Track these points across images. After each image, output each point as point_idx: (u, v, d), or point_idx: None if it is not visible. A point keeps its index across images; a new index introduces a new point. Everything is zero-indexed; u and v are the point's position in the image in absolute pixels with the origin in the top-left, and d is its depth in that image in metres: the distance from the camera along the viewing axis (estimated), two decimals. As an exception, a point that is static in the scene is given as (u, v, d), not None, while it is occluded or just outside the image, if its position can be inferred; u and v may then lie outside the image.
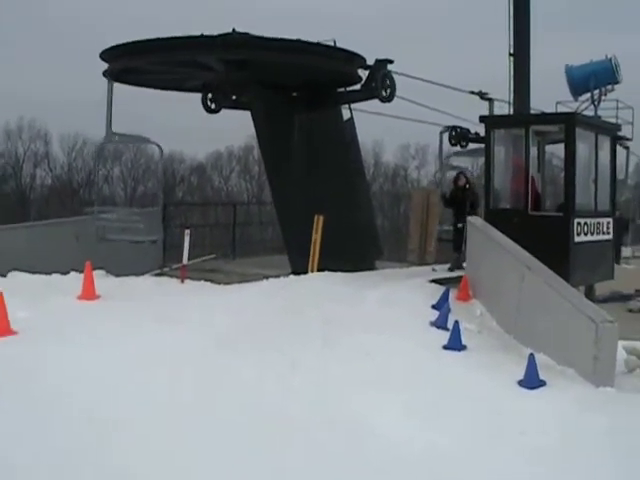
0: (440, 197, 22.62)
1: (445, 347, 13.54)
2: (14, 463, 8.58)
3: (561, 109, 22.62)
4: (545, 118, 21.08)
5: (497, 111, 23.49)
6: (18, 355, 11.79)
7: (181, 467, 8.89)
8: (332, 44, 20.04)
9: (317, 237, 18.89)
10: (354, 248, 20.58)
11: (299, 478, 8.86)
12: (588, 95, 22.73)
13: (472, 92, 22.53)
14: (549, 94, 23.90)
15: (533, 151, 20.34)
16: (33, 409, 9.93)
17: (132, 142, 20.86)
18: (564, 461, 9.45)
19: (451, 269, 20.57)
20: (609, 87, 22.62)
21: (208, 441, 9.49)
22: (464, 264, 19.37)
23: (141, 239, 20.30)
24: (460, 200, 20.83)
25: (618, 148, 22.40)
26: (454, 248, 21.07)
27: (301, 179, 20.63)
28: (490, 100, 22.25)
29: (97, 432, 9.41)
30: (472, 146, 24.05)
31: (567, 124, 19.38)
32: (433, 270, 20.85)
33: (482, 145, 21.65)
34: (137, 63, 19.31)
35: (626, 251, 32.59)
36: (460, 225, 20.39)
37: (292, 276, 18.27)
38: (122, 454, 9.02)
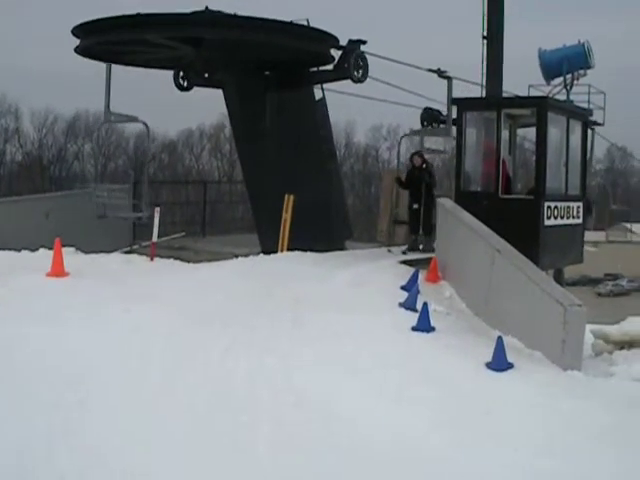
0: (395, 180, 22.20)
1: (414, 328, 13.54)
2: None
3: (533, 93, 22.69)
4: (517, 102, 21.14)
5: (461, 91, 23.40)
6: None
7: (145, 446, 8.89)
8: (305, 23, 20.00)
9: (287, 217, 18.88)
10: (324, 228, 20.59)
11: (264, 459, 8.88)
12: (561, 79, 22.79)
13: (430, 70, 22.26)
14: (522, 78, 23.99)
15: (505, 134, 20.33)
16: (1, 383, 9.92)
17: (125, 121, 20.99)
18: (527, 443, 9.50)
19: (405, 252, 20.48)
20: (581, 72, 22.69)
21: (174, 421, 9.50)
22: (420, 246, 20.41)
23: (133, 216, 20.97)
24: (416, 180, 20.84)
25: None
26: (410, 230, 21.19)
27: (272, 158, 20.61)
28: (448, 78, 22.01)
29: (65, 413, 9.39)
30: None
31: (539, 108, 19.39)
32: (388, 251, 20.70)
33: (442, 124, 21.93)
34: (108, 39, 19.16)
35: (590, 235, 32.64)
36: (416, 206, 20.71)
37: (262, 255, 18.26)
38: (90, 435, 9.01)
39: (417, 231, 20.74)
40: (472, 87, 23.99)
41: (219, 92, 21.87)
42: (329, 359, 11.62)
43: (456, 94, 21.74)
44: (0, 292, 13.69)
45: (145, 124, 22.24)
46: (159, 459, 8.78)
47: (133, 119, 21.63)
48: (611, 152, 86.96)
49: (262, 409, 9.98)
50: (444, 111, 23.37)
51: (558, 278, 21.62)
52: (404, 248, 20.88)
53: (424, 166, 20.98)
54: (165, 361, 11.13)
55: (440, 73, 21.86)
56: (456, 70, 23.71)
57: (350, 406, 10.22)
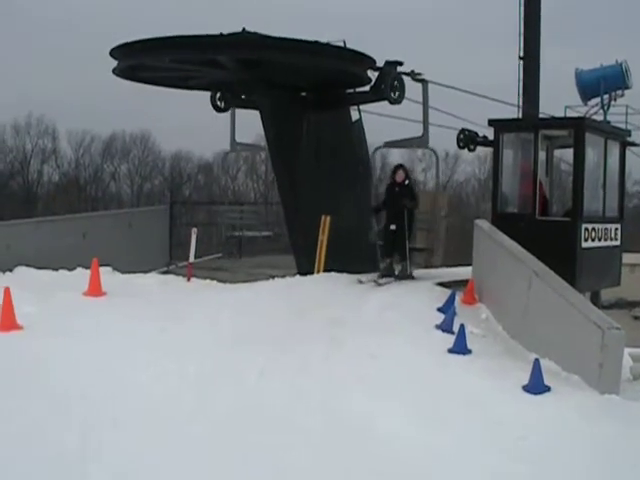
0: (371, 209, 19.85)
1: (450, 351, 13.48)
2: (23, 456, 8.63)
3: (570, 114, 22.57)
4: (554, 122, 21.02)
5: (496, 112, 23.23)
6: (24, 349, 11.84)
7: (178, 466, 8.90)
8: (342, 44, 20.01)
9: (323, 238, 18.88)
10: (360, 249, 20.54)
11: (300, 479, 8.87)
12: (598, 100, 22.68)
13: (404, 73, 21.58)
14: (558, 98, 23.90)
15: (541, 155, 20.22)
16: (37, 404, 9.96)
17: (250, 150, 21.14)
18: (563, 467, 9.43)
19: (378, 281, 17.96)
20: (619, 92, 22.56)
21: (208, 442, 9.50)
22: (396, 271, 18.69)
23: (262, 235, 22.62)
24: (396, 198, 18.47)
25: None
26: (384, 253, 18.97)
27: (308, 179, 20.60)
28: (423, 81, 21.30)
29: (98, 432, 9.43)
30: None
31: (577, 129, 19.28)
32: (359, 282, 17.85)
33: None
34: (147, 61, 19.27)
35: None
36: (393, 227, 18.46)
37: (298, 276, 18.26)
38: (123, 454, 9.03)
39: (392, 255, 18.76)
40: (507, 108, 23.94)
41: (255, 113, 21.93)
42: (365, 380, 11.59)
43: (492, 115, 21.58)
44: (38, 311, 13.78)
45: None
46: (190, 477, 8.79)
47: (259, 148, 21.59)
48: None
49: (298, 430, 9.97)
50: (481, 132, 23.30)
51: (595, 301, 21.44)
52: (376, 277, 18.32)
53: (406, 182, 18.82)
54: (200, 381, 11.16)
55: (414, 76, 21.11)
56: (492, 91, 23.70)
57: (386, 426, 10.20)
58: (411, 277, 18.28)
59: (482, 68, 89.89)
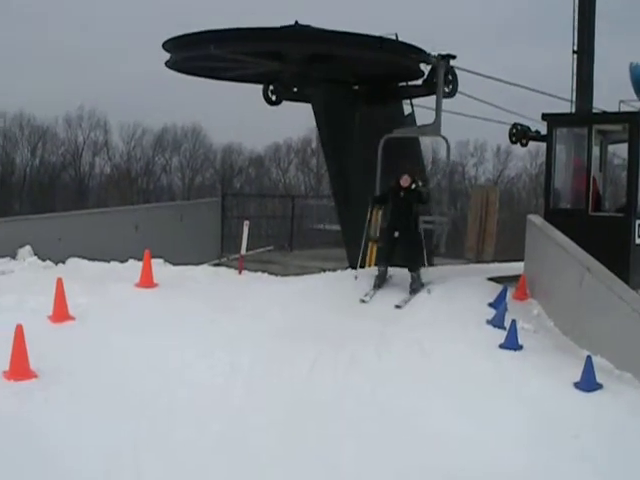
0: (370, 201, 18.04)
1: (501, 346, 13.41)
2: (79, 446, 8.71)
3: (624, 109, 22.33)
4: (609, 117, 20.77)
5: (549, 107, 23.01)
6: (76, 340, 11.93)
7: (230, 455, 8.94)
8: (394, 38, 19.96)
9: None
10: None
11: (349, 472, 8.88)
12: (653, 93, 22.40)
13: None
14: (612, 93, 23.66)
15: (595, 150, 20.04)
16: (90, 395, 10.05)
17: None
18: (615, 466, 9.36)
19: (368, 296, 16.04)
20: (675, 86, 22.26)
21: (260, 433, 9.54)
22: (427, 288, 16.53)
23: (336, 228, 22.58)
24: (401, 203, 16.95)
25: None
26: (381, 261, 17.30)
27: (360, 172, 20.58)
28: (443, 58, 20.27)
29: (151, 420, 9.50)
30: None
31: (631, 123, 19.09)
32: (355, 278, 16.87)
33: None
34: (197, 54, 19.34)
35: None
36: (396, 234, 16.89)
37: (349, 270, 18.25)
38: (175, 441, 9.09)
39: (387, 264, 17.02)
40: (561, 103, 23.73)
41: (307, 106, 21.94)
42: (415, 374, 11.58)
43: (545, 110, 21.38)
44: (90, 302, 13.90)
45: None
46: (244, 469, 8.83)
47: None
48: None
49: (347, 423, 9.98)
50: (534, 126, 23.15)
51: (648, 298, 21.23)
52: (369, 290, 16.37)
53: (413, 187, 16.97)
54: (251, 373, 11.20)
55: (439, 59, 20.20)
56: (546, 86, 23.54)
57: (435, 422, 10.18)
58: (423, 287, 16.57)
59: (537, 62, 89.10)
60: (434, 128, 20.04)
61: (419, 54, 19.74)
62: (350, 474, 8.94)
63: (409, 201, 16.87)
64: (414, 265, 16.82)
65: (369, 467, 9.09)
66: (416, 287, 16.50)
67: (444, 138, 19.82)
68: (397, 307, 15.46)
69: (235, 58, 19.03)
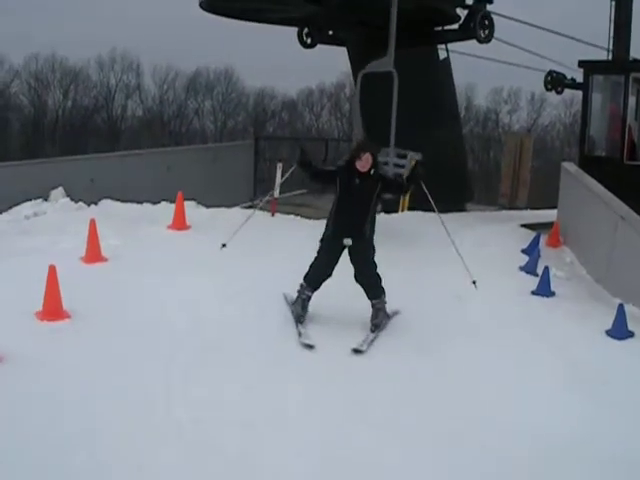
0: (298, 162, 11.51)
1: (534, 292, 13.43)
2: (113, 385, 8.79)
3: (662, 57, 22.15)
4: (647, 65, 20.61)
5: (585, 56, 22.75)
6: (109, 281, 11.99)
7: (262, 399, 9.00)
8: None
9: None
10: (445, 189, 20.39)
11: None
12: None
13: None
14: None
15: (631, 99, 19.88)
16: (120, 335, 10.11)
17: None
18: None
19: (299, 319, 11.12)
20: None
21: (296, 378, 9.60)
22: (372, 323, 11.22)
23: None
24: (352, 193, 10.87)
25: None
26: (313, 279, 11.32)
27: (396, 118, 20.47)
28: None
29: (183, 365, 9.53)
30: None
31: (669, 72, 18.94)
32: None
33: None
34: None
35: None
36: (348, 241, 10.97)
37: (382, 214, 18.22)
38: (207, 386, 9.13)
39: (321, 282, 11.31)
40: (597, 51, 23.52)
41: (341, 51, 21.84)
42: (449, 321, 11.60)
43: (582, 57, 21.16)
44: (122, 243, 13.97)
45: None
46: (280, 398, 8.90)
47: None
48: None
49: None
50: (569, 74, 22.99)
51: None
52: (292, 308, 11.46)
53: (372, 172, 10.90)
54: (279, 317, 11.23)
55: None
56: (582, 33, 23.31)
57: (466, 364, 10.21)
58: (388, 318, 11.43)
59: (573, 9, 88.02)
60: (385, 62, 18.81)
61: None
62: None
63: (367, 192, 10.91)
64: (376, 290, 11.29)
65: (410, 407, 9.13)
66: (380, 321, 11.22)
67: (394, 72, 18.95)
68: (356, 351, 10.47)
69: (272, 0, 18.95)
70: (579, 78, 20.86)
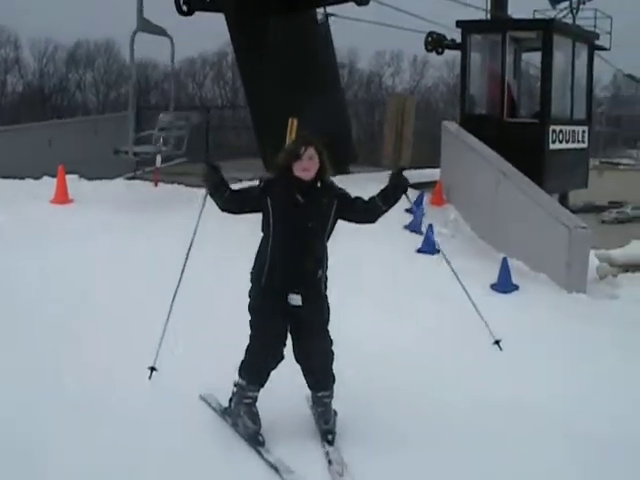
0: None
1: (419, 250, 13.59)
2: None
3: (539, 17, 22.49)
4: (523, 24, 20.86)
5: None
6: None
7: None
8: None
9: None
10: (329, 152, 20.42)
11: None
12: (566, 3, 22.60)
13: None
14: (527, 3, 23.75)
15: (510, 58, 20.14)
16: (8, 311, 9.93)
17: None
18: (531, 359, 9.57)
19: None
20: (588, -4, 22.49)
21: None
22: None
23: None
24: (297, 219, 6.96)
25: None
26: (258, 363, 7.13)
27: (274, 82, 20.41)
28: None
29: (70, 342, 9.37)
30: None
31: (545, 30, 19.21)
32: None
33: None
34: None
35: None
36: (297, 301, 7.09)
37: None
38: (95, 357, 8.99)
39: (267, 373, 7.18)
40: (478, 13, 23.75)
41: (221, 19, 21.62)
42: (336, 280, 11.64)
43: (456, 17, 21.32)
44: (5, 220, 13.70)
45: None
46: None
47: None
48: (617, 79, 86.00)
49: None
50: (449, 35, 23.18)
51: (563, 203, 21.58)
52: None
53: (319, 183, 7.06)
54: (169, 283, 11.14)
55: None
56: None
57: (352, 323, 10.27)
58: (336, 415, 7.33)
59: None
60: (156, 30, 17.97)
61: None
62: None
63: (318, 217, 7.08)
64: (327, 377, 7.36)
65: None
66: (334, 424, 7.26)
67: (170, 37, 18.37)
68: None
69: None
70: (459, 39, 21.00)
